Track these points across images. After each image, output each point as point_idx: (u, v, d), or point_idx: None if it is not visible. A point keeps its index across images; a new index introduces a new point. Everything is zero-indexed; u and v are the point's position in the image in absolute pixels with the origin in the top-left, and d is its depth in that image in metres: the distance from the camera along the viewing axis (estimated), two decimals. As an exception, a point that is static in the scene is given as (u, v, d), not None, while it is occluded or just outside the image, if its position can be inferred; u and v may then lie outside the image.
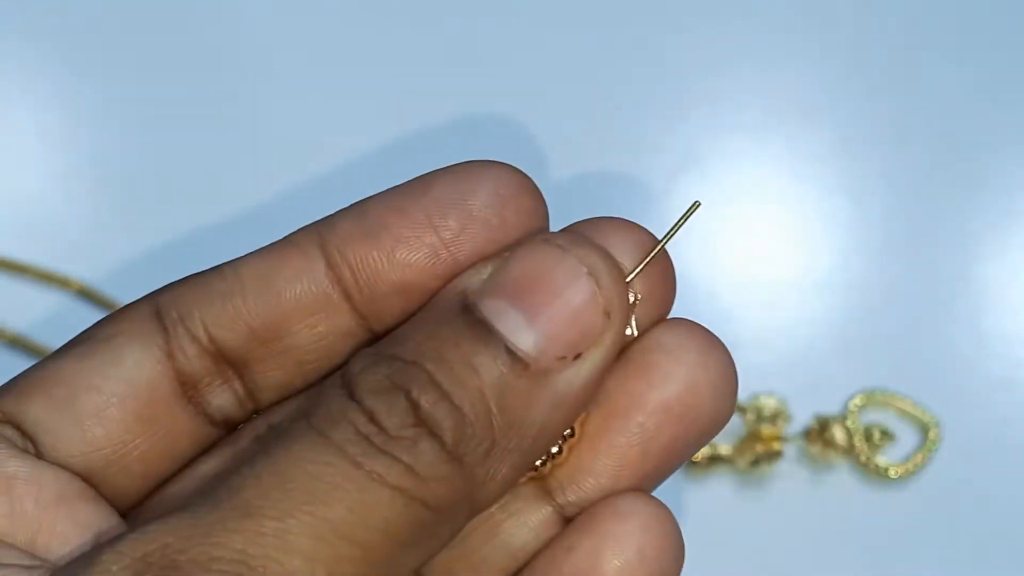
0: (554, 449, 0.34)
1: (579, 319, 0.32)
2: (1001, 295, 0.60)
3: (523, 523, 0.35)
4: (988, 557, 0.57)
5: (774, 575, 0.57)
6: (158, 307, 0.35)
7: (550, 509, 0.35)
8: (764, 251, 0.61)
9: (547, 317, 0.32)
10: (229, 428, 0.36)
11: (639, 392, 0.34)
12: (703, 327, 0.35)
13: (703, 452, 0.56)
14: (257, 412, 0.36)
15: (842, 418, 0.57)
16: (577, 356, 0.32)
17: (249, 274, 0.34)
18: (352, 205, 0.35)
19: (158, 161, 0.60)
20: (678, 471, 0.55)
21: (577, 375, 0.32)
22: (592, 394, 0.33)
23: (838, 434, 0.57)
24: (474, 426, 0.31)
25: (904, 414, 0.58)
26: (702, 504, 0.57)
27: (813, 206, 0.61)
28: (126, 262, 0.57)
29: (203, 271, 0.35)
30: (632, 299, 0.34)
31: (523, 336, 0.32)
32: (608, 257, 0.33)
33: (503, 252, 0.33)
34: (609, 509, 0.34)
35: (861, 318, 0.60)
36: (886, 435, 0.58)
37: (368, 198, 0.35)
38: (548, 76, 0.62)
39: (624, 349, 0.35)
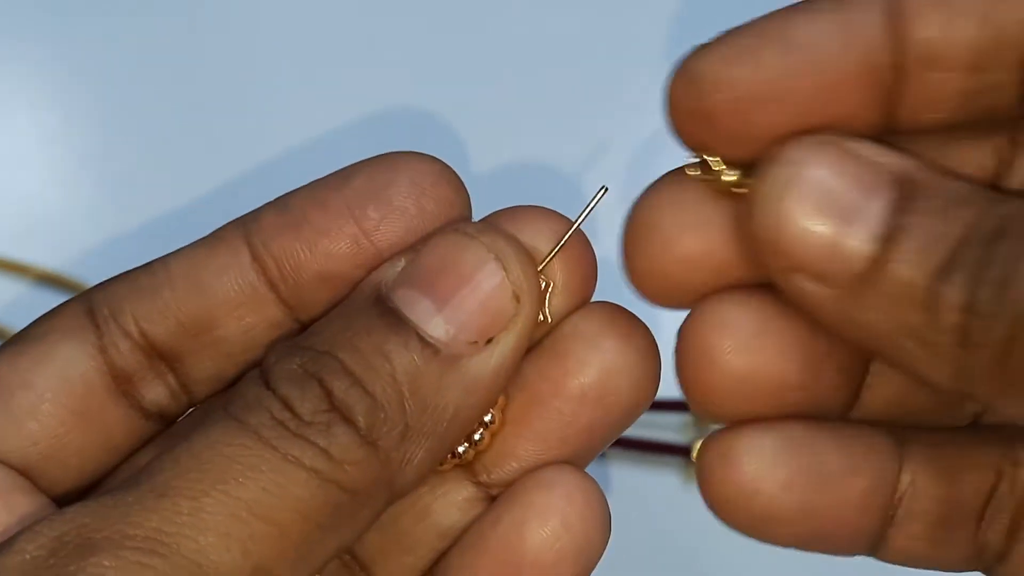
0: (476, 436, 0.34)
1: (488, 304, 0.32)
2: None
3: (451, 503, 0.36)
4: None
5: (774, 575, 0.56)
6: (91, 304, 0.34)
7: (477, 489, 0.35)
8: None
9: (456, 303, 0.32)
10: (166, 421, 0.36)
11: (556, 379, 0.35)
12: (625, 311, 0.35)
13: (705, 452, 0.55)
14: (193, 406, 0.36)
15: (839, 419, 0.56)
16: (489, 341, 0.32)
17: (178, 269, 0.34)
18: (276, 199, 0.34)
19: (155, 159, 0.60)
20: (679, 471, 0.55)
21: (489, 359, 0.32)
22: (506, 378, 0.33)
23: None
24: (387, 411, 0.31)
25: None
26: (702, 504, 0.55)
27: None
28: (121, 258, 0.57)
29: (135, 268, 0.35)
30: (544, 285, 0.34)
31: (433, 323, 0.32)
32: (515, 243, 0.33)
33: (418, 244, 0.33)
34: (533, 481, 0.34)
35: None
36: (888, 435, 0.56)
37: (291, 192, 0.34)
38: (495, 70, 0.62)
39: (542, 335, 0.35)
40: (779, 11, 0.30)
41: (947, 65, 0.30)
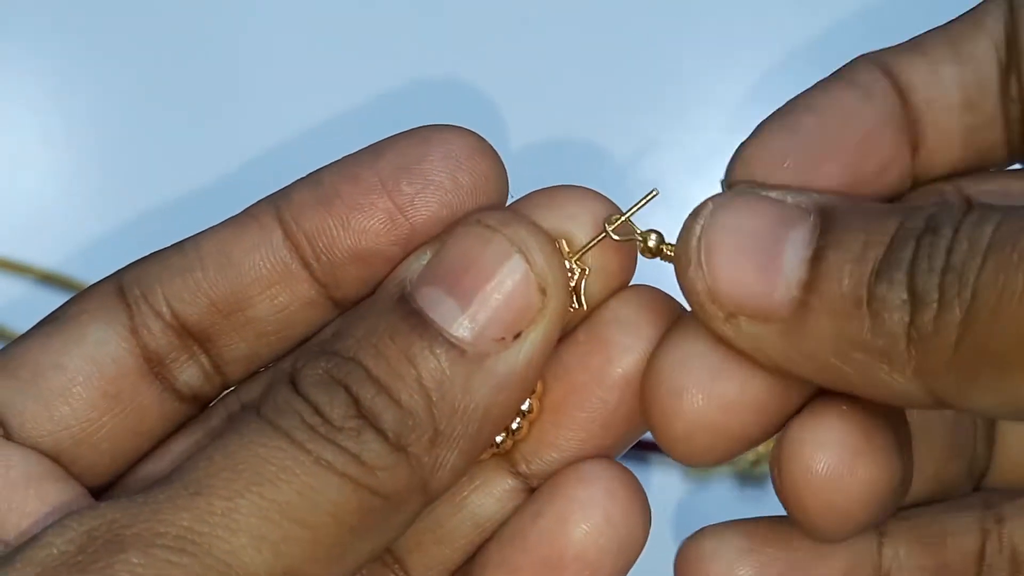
0: (514, 425, 0.33)
1: (513, 300, 0.31)
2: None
3: (488, 494, 0.35)
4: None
5: None
6: (121, 285, 0.34)
7: (515, 481, 0.35)
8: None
9: (480, 301, 0.31)
10: (199, 404, 0.35)
11: (598, 367, 0.34)
12: (664, 294, 0.34)
13: (704, 452, 0.55)
14: (227, 388, 0.35)
15: (842, 418, 0.56)
16: (517, 336, 0.31)
17: (208, 248, 0.33)
18: (308, 175, 0.34)
19: (157, 159, 0.60)
20: (679, 471, 0.55)
21: (518, 355, 0.31)
22: (537, 372, 0.32)
23: (839, 434, 0.55)
24: (415, 417, 0.30)
25: (904, 414, 0.57)
26: (702, 504, 0.56)
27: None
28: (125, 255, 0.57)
29: (165, 248, 0.34)
30: (578, 272, 0.33)
31: (458, 323, 0.31)
32: (539, 233, 0.32)
33: (443, 234, 0.32)
34: (574, 475, 0.34)
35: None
36: (887, 435, 0.56)
37: (323, 167, 0.34)
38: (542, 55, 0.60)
39: (579, 322, 0.34)
40: (800, 95, 0.33)
41: (944, 103, 0.32)
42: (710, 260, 0.30)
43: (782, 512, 0.54)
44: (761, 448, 0.54)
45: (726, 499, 0.56)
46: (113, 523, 0.28)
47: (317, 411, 0.30)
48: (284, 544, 0.29)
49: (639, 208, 0.33)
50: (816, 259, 0.29)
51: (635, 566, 0.54)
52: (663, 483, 0.56)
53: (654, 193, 0.33)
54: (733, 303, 0.30)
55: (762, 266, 0.30)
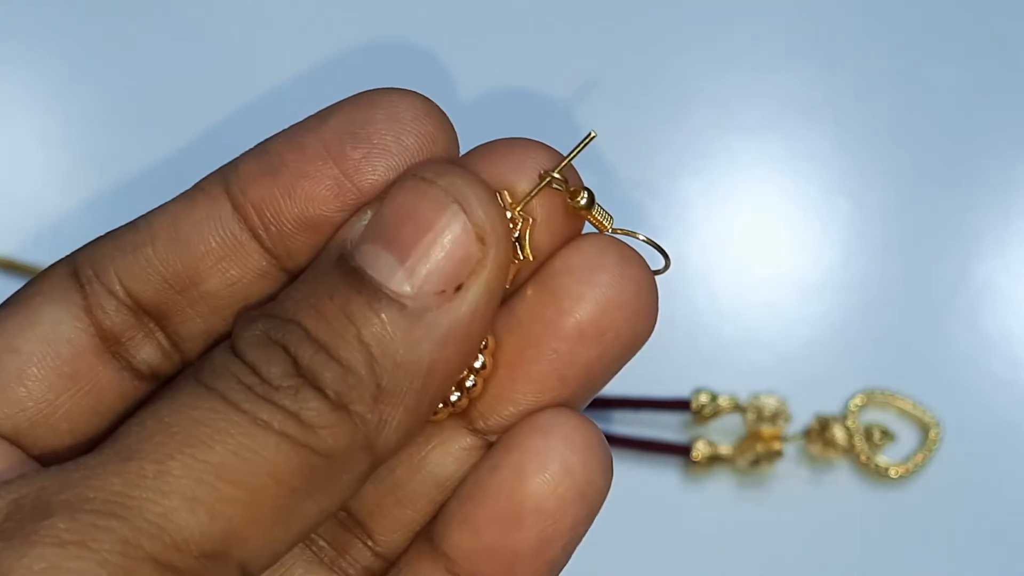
0: (468, 383, 0.33)
1: (452, 251, 0.30)
2: (1001, 294, 0.58)
3: (447, 453, 0.34)
4: (988, 557, 0.55)
5: (774, 575, 0.55)
6: (75, 266, 0.33)
7: (474, 438, 0.34)
8: (764, 251, 0.59)
9: (418, 254, 0.30)
10: (159, 381, 0.34)
11: (551, 318, 0.33)
12: (617, 242, 0.33)
13: (703, 452, 0.54)
14: (187, 364, 0.34)
15: (842, 418, 0.55)
16: (459, 288, 0.30)
17: (159, 224, 0.33)
18: (255, 145, 0.33)
19: (158, 160, 0.59)
20: (679, 471, 0.54)
21: (460, 307, 0.30)
22: (483, 324, 0.31)
23: (838, 434, 0.55)
24: (355, 374, 0.29)
25: (904, 414, 0.57)
26: (702, 504, 0.56)
27: (813, 206, 0.59)
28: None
29: (119, 227, 0.34)
30: (522, 222, 0.32)
31: (396, 278, 0.30)
32: (476, 182, 0.31)
33: (383, 193, 0.32)
34: (530, 425, 0.33)
35: (861, 318, 0.58)
36: (886, 435, 0.56)
37: (270, 137, 0.33)
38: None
39: (529, 274, 0.33)
40: None
41: None
42: None
43: (782, 513, 0.54)
44: (760, 448, 0.53)
45: (726, 499, 0.55)
46: (42, 490, 0.28)
47: (254, 371, 0.29)
48: (220, 505, 0.28)
49: (579, 152, 0.32)
50: None
51: (640, 564, 0.53)
52: (663, 483, 0.55)
53: (592, 135, 0.33)
54: None
55: None
